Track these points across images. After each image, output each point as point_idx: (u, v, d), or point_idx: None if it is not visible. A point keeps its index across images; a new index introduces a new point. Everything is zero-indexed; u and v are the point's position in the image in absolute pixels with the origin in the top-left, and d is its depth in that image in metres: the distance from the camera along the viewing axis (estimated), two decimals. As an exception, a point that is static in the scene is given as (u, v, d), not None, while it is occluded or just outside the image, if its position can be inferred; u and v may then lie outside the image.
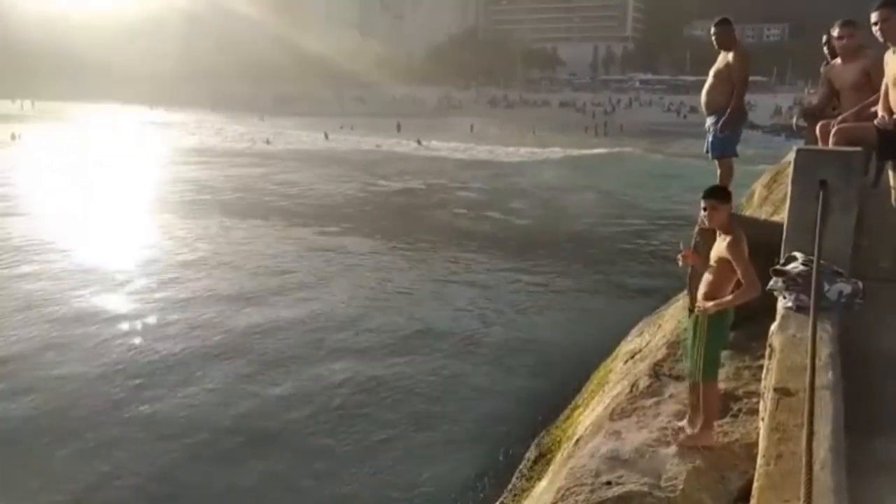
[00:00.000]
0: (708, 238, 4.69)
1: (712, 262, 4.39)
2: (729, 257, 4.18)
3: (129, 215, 22.30)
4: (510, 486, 6.90)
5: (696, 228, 5.48)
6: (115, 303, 13.22)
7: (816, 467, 1.99)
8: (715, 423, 4.66)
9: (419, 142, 46.77)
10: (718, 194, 4.36)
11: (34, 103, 79.76)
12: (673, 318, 7.95)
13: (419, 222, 22.68)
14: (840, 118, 5.07)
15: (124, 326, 12.11)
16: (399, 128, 56.67)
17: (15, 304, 12.91)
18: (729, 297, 4.23)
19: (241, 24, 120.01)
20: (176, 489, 7.59)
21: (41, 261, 15.91)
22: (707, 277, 4.42)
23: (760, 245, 4.56)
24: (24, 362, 10.50)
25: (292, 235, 19.69)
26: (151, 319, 12.43)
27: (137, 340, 11.50)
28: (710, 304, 4.28)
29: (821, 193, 3.83)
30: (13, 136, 44.51)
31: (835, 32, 5.48)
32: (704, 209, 4.36)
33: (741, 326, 5.41)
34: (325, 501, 7.43)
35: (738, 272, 4.13)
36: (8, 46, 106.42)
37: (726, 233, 4.25)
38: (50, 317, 12.33)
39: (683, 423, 4.87)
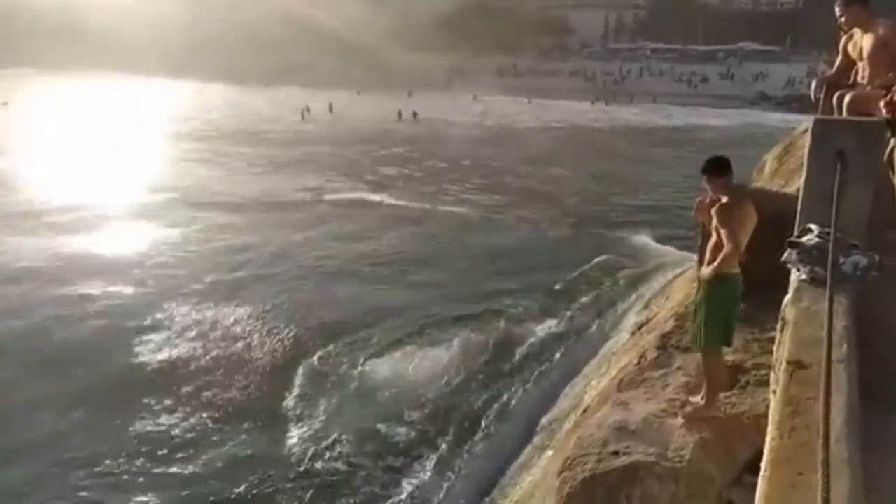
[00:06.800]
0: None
1: (713, 229, 4.42)
2: (716, 221, 4.25)
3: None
4: (519, 456, 6.95)
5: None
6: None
7: (832, 440, 1.97)
8: (721, 395, 4.65)
9: (414, 114, 45.88)
10: (716, 166, 4.40)
11: (31, 71, 79.11)
12: (681, 289, 7.93)
13: (424, 193, 22.60)
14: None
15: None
16: (410, 95, 56.59)
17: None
18: (717, 262, 4.26)
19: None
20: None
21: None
22: (710, 245, 4.49)
23: (771, 216, 4.50)
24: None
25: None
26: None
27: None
28: (707, 269, 4.35)
29: (838, 164, 3.75)
30: (3, 104, 44.97)
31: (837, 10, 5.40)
32: (705, 181, 4.43)
33: (749, 297, 5.37)
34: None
35: (722, 233, 4.19)
36: (9, 15, 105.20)
37: (723, 199, 4.32)
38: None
39: (697, 398, 4.86)
